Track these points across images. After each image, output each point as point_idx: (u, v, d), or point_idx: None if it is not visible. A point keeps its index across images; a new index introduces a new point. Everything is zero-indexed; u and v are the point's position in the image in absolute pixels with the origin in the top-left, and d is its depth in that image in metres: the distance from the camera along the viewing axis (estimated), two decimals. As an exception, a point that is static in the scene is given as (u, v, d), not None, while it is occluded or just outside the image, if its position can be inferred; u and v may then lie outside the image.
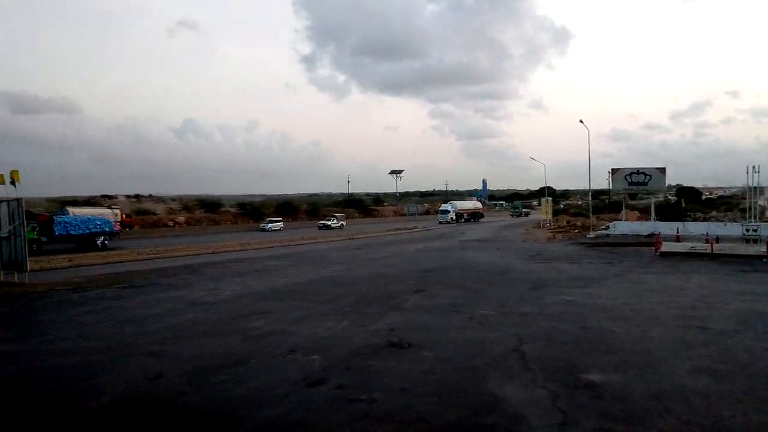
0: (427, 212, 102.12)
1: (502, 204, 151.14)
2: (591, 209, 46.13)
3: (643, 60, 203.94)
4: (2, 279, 19.70)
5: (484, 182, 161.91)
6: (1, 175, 20.14)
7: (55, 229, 37.77)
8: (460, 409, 6.51)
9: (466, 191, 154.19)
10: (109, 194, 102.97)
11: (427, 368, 8.20)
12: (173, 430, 6.10)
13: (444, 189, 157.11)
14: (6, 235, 20.02)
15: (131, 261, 27.63)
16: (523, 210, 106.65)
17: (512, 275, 19.37)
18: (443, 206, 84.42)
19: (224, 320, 12.20)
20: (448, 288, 16.30)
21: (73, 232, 39.15)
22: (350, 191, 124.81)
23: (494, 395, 6.94)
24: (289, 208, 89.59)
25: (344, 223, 73.56)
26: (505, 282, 17.65)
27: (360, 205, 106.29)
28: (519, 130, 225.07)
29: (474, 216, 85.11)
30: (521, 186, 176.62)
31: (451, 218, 78.75)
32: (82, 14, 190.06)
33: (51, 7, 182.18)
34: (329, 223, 71.39)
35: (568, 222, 56.06)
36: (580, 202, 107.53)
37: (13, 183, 19.98)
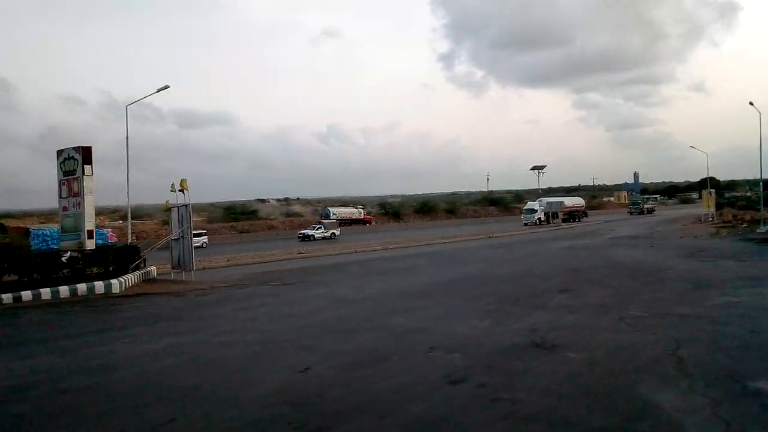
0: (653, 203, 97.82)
1: (656, 198, 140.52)
2: (762, 201, 41.33)
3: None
4: (172, 277, 22.02)
5: (636, 175, 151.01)
6: (173, 184, 22.54)
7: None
8: (609, 413, 6.17)
9: (614, 185, 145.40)
10: (262, 198, 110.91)
11: (574, 370, 7.87)
12: (323, 421, 6.43)
13: (591, 184, 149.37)
14: (176, 237, 22.35)
15: (284, 260, 29.53)
16: (646, 207, 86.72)
17: (669, 274, 17.96)
18: (529, 204, 68.70)
19: (368, 317, 12.63)
20: (596, 287, 15.50)
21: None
22: (490, 189, 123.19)
23: (647, 401, 6.49)
24: (427, 207, 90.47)
25: (337, 232, 57.71)
26: (660, 281, 16.41)
27: (500, 203, 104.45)
28: (676, 116, 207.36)
29: (573, 215, 70.17)
30: (679, 178, 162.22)
31: (539, 219, 63.66)
32: (236, 33, 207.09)
33: (207, 28, 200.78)
34: (313, 232, 55.73)
35: (734, 216, 50.73)
36: (749, 194, 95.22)
37: (182, 191, 22.27)
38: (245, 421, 6.35)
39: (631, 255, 24.65)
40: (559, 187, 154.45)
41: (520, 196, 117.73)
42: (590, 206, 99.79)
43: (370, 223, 77.89)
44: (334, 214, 71.00)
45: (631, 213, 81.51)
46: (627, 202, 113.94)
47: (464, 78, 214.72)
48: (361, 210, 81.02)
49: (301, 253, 33.34)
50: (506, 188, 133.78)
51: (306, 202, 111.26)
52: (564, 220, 66.53)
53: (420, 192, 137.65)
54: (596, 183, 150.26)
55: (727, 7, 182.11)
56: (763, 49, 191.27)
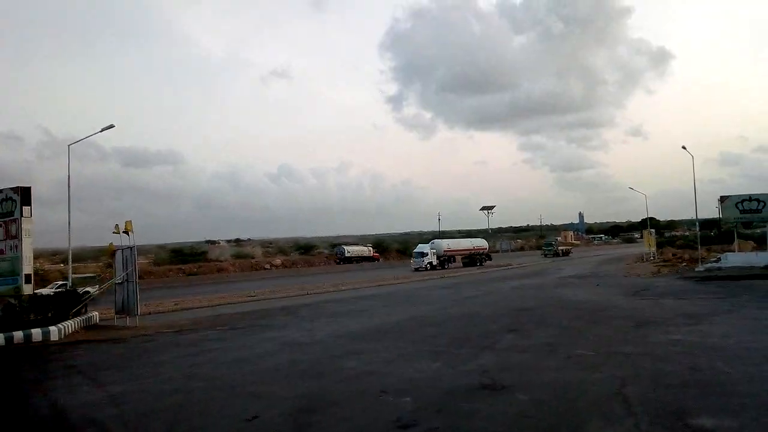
0: (522, 248, 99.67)
1: (601, 238, 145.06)
2: (699, 240, 43.27)
3: (752, 76, 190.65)
4: (116, 323, 21.21)
5: (581, 215, 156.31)
6: (117, 225, 21.92)
7: None
8: (557, 455, 6.24)
9: (561, 225, 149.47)
10: (212, 239, 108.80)
11: (522, 411, 7.94)
12: (270, 470, 6.25)
13: (538, 224, 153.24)
14: (120, 281, 21.64)
15: (232, 303, 28.90)
16: (561, 248, 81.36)
17: (613, 312, 18.46)
18: (419, 246, 60.66)
19: (319, 360, 12.44)
20: (543, 327, 15.78)
21: None
22: (441, 228, 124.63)
23: (594, 441, 6.60)
24: (380, 248, 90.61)
25: None
26: (605, 320, 16.84)
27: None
28: (616, 159, 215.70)
29: (474, 258, 62.70)
30: (621, 218, 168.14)
31: (429, 263, 56.36)
32: (184, 70, 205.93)
33: (155, 65, 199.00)
34: None
35: (674, 255, 52.79)
36: (687, 233, 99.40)
37: (126, 232, 21.67)
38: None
39: (577, 294, 25.27)
40: (509, 227, 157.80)
41: (472, 236, 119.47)
42: (538, 246, 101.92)
43: (378, 260, 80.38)
44: (348, 252, 72.58)
45: (545, 255, 75.86)
46: (573, 241, 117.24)
47: (413, 119, 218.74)
48: (371, 248, 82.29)
49: (252, 295, 32.72)
50: (457, 227, 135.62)
51: (257, 243, 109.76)
52: (465, 264, 60.72)
53: (373, 232, 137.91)
54: (544, 223, 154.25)
55: (659, 56, 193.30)
56: (695, 95, 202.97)
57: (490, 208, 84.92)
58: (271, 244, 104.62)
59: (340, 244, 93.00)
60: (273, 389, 9.98)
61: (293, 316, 21.47)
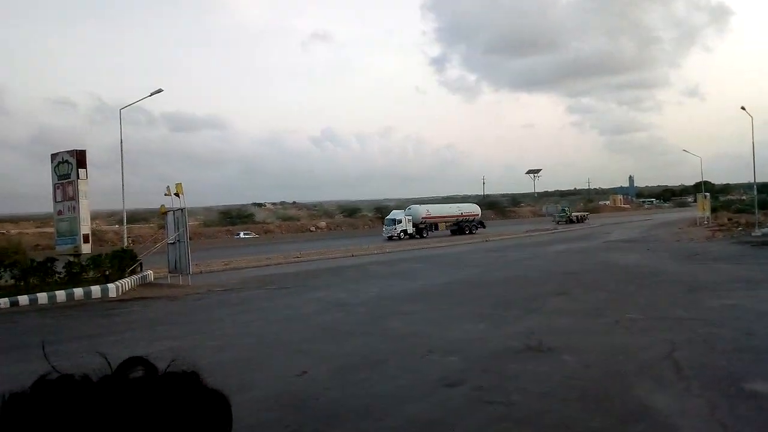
0: (585, 212, 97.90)
1: (652, 201, 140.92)
2: (757, 204, 41.53)
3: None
4: (169, 281, 21.98)
5: (631, 179, 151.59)
6: (168, 188, 22.51)
7: None
8: (605, 416, 6.21)
9: (610, 189, 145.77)
10: (258, 202, 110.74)
11: (569, 373, 7.90)
12: (319, 424, 6.44)
13: (586, 187, 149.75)
14: (172, 241, 22.33)
15: (279, 264, 29.51)
16: (576, 214, 73.30)
17: (664, 277, 18.02)
18: (393, 212, 53.69)
19: (364, 321, 12.64)
20: (591, 291, 15.55)
21: None
22: (486, 192, 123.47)
23: (643, 404, 6.53)
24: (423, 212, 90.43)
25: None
26: (656, 284, 16.47)
27: (496, 207, 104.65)
28: (670, 121, 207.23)
29: (462, 225, 54.76)
30: (674, 181, 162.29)
31: (404, 231, 49.24)
32: (228, 36, 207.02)
33: (200, 31, 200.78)
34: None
35: (729, 219, 50.90)
36: (743, 197, 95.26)
37: (177, 195, 22.25)
38: (240, 424, 6.27)
39: (627, 258, 24.73)
40: (555, 191, 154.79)
41: (516, 200, 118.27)
42: (586, 210, 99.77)
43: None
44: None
45: (558, 223, 68.63)
46: (622, 205, 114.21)
47: (456, 82, 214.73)
48: (428, 211, 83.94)
49: (298, 257, 33.32)
50: (502, 192, 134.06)
51: (303, 206, 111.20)
52: (453, 232, 53.37)
53: (416, 196, 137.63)
54: (592, 187, 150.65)
55: (719, 11, 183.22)
56: (755, 53, 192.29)
57: (537, 171, 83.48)
58: (315, 207, 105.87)
59: (383, 207, 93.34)
60: (320, 347, 10.21)
61: (339, 277, 21.78)
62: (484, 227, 57.41)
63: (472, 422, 6.22)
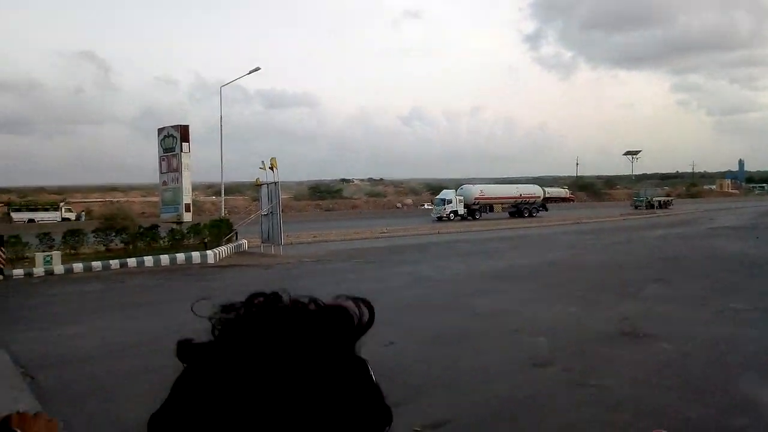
0: (667, 196, 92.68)
1: (762, 187, 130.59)
2: None
3: None
4: (262, 251, 22.93)
5: (741, 163, 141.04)
6: (263, 162, 23.38)
7: None
8: (704, 406, 5.89)
9: (717, 173, 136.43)
10: (346, 178, 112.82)
11: (666, 361, 7.55)
12: (405, 395, 6.53)
13: (690, 171, 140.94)
14: (266, 212, 23.22)
15: (366, 238, 30.01)
16: (657, 199, 65.65)
17: (775, 267, 16.72)
18: (443, 193, 49.85)
19: (450, 297, 12.64)
20: (692, 278, 14.70)
21: None
22: (579, 174, 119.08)
23: (747, 396, 6.13)
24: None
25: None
26: (764, 275, 15.32)
27: (589, 189, 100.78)
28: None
29: (522, 208, 51.19)
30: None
31: (454, 212, 46.30)
32: (321, 16, 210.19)
33: (294, 11, 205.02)
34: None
35: None
36: None
37: (271, 168, 23.06)
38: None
39: (732, 246, 23.12)
40: (654, 174, 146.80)
41: (612, 182, 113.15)
42: (689, 195, 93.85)
43: (573, 201, 79.01)
44: (547, 192, 74.54)
45: (636, 207, 62.38)
46: (730, 191, 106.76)
47: (552, 59, 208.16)
48: (567, 190, 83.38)
49: (384, 232, 33.71)
50: (597, 174, 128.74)
51: (390, 183, 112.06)
52: (511, 215, 50.44)
53: (504, 176, 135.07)
54: (696, 170, 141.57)
55: None
56: None
57: (635, 153, 78.81)
58: (402, 184, 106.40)
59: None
60: (406, 319, 10.31)
61: (425, 253, 21.86)
62: (546, 210, 53.60)
63: (562, 403, 6.10)
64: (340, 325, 0.57)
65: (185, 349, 0.56)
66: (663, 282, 14.10)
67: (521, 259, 19.44)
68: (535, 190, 54.83)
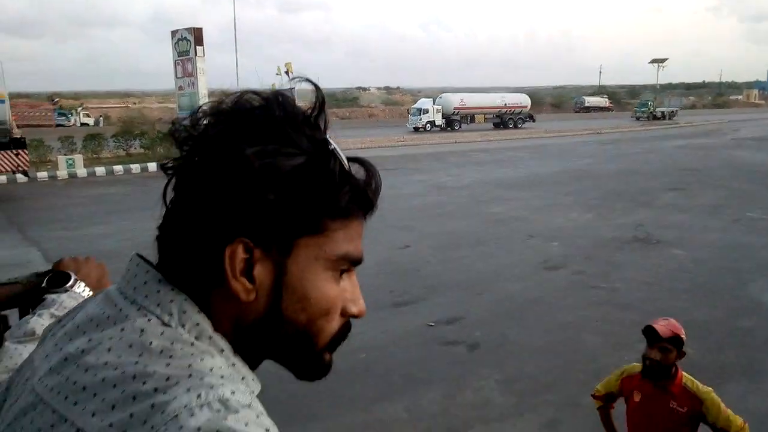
0: (693, 107, 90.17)
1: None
2: None
3: None
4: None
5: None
6: (278, 67, 22.99)
7: None
8: (713, 308, 6.06)
9: (744, 83, 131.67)
10: (362, 86, 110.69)
11: (678, 266, 7.69)
12: (420, 292, 6.78)
13: (717, 80, 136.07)
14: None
15: (383, 147, 29.90)
16: (662, 109, 59.94)
17: (796, 179, 16.51)
18: (420, 102, 47.10)
19: (466, 204, 12.75)
20: (710, 188, 14.60)
21: None
22: (602, 83, 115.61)
23: (756, 300, 6.30)
24: (531, 101, 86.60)
25: None
26: (786, 185, 15.17)
27: (612, 98, 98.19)
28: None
29: (506, 118, 48.09)
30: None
31: (431, 122, 43.29)
32: None
33: None
34: None
35: None
36: None
37: (287, 73, 22.70)
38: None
39: (754, 157, 22.74)
40: (680, 83, 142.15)
41: (636, 92, 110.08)
42: (715, 105, 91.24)
43: (612, 110, 78.64)
44: (587, 102, 73.81)
45: (637, 118, 58.03)
46: (757, 101, 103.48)
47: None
48: (606, 99, 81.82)
49: (401, 140, 33.50)
50: (620, 83, 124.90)
51: (407, 91, 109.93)
52: (496, 126, 47.26)
53: (525, 85, 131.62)
54: (724, 80, 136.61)
55: None
56: None
57: (662, 61, 75.96)
58: (419, 92, 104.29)
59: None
60: (422, 225, 10.51)
61: (441, 162, 21.81)
62: (533, 121, 50.19)
63: (572, 303, 6.30)
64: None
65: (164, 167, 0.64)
66: (680, 191, 14.06)
67: (539, 168, 19.35)
68: (521, 99, 51.12)
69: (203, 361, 0.57)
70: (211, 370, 0.56)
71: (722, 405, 2.38)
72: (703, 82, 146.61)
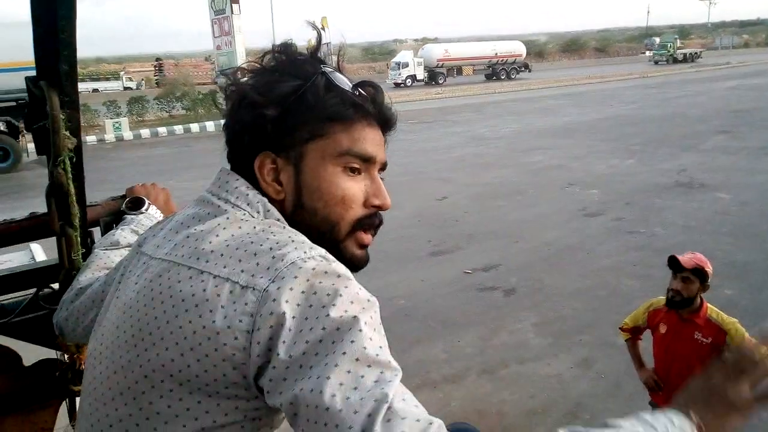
0: (746, 45, 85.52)
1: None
2: None
3: None
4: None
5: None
6: (313, 22, 22.80)
7: None
8: (754, 251, 5.99)
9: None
10: (399, 38, 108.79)
11: (721, 209, 7.57)
12: (458, 241, 6.90)
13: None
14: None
15: (419, 100, 29.63)
16: (684, 51, 56.20)
17: None
18: (400, 55, 44.19)
19: (504, 154, 12.67)
20: (761, 130, 14.06)
21: None
22: (649, 24, 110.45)
23: (802, 243, 6.18)
24: (574, 46, 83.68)
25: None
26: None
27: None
28: None
29: (498, 69, 44.97)
30: None
31: (412, 77, 40.93)
32: None
33: None
34: None
35: None
36: None
37: (323, 28, 22.53)
38: (387, 237, 6.98)
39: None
40: (733, 21, 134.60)
41: (686, 32, 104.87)
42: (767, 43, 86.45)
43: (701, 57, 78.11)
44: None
45: (656, 62, 53.36)
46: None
47: None
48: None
49: (438, 93, 33.11)
50: (669, 23, 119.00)
51: (444, 41, 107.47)
52: (488, 77, 44.72)
53: (567, 30, 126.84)
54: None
55: None
56: None
57: (714, -4, 72.12)
58: (458, 41, 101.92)
59: (528, 42, 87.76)
60: (459, 176, 10.54)
61: (479, 113, 21.56)
62: (528, 71, 47.16)
63: (610, 248, 6.32)
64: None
65: None
66: (728, 134, 13.61)
67: (581, 116, 18.94)
68: (515, 48, 47.32)
69: (297, 235, 0.75)
70: (304, 241, 0.74)
71: (747, 335, 2.46)
72: (758, 18, 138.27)
